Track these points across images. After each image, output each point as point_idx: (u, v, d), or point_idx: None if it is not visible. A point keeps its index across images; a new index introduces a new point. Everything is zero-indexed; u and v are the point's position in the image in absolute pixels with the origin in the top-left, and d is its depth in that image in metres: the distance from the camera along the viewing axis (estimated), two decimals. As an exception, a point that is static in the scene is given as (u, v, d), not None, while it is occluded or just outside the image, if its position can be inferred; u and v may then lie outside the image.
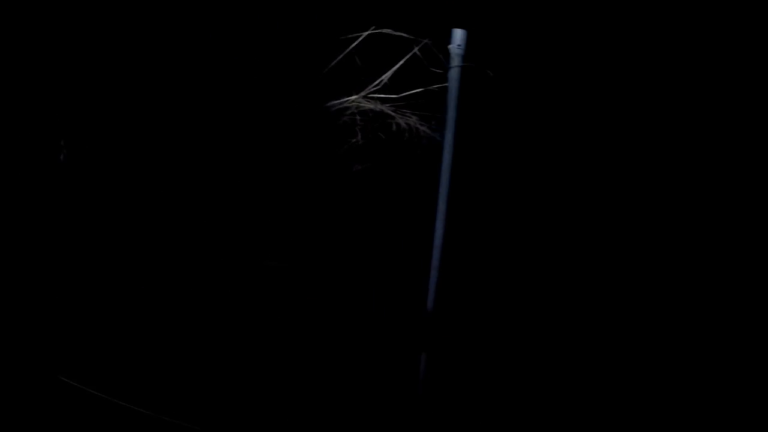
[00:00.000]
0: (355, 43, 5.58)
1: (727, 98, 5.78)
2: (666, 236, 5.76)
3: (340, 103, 5.60)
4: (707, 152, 5.79)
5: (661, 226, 5.77)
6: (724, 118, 5.81)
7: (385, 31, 5.59)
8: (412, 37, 5.61)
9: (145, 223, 5.19)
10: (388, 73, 5.59)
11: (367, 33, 5.58)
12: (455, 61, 5.35)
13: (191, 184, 5.31)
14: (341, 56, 5.61)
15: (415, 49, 5.59)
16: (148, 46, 5.30)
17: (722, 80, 5.79)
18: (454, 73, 5.37)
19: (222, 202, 5.33)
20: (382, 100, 5.67)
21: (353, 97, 5.60)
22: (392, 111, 5.66)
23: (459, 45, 5.34)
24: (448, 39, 5.36)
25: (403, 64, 5.67)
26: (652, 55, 5.80)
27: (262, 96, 5.47)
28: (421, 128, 5.70)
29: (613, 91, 5.80)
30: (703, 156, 5.78)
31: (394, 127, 5.69)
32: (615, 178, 5.79)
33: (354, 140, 5.67)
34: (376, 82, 5.60)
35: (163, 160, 5.25)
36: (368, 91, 5.61)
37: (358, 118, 5.67)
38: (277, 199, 5.46)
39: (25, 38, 5.13)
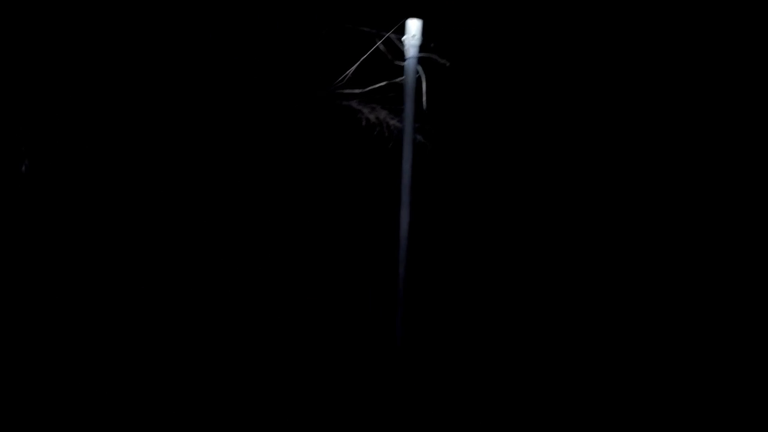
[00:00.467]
0: (319, 42, 5.66)
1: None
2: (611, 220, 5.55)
3: (308, 102, 5.71)
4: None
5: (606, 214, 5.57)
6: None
7: (346, 26, 5.62)
8: (374, 32, 5.61)
9: (119, 223, 5.52)
10: (352, 68, 5.63)
11: (328, 30, 5.64)
12: (410, 52, 5.31)
13: (164, 186, 5.59)
14: (305, 55, 5.71)
15: (378, 43, 5.59)
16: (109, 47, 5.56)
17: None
18: (410, 64, 5.32)
19: (189, 204, 5.58)
20: (351, 96, 5.71)
21: (320, 95, 5.68)
22: (361, 106, 5.70)
23: (414, 35, 5.30)
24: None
25: (370, 59, 5.69)
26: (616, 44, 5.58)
27: (227, 99, 5.67)
28: (392, 122, 5.70)
29: (576, 79, 5.59)
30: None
31: (364, 122, 5.73)
32: (583, 166, 5.60)
33: (325, 137, 5.77)
34: (341, 78, 5.65)
35: (134, 163, 5.55)
36: (334, 88, 5.68)
37: (327, 115, 5.76)
38: (247, 199, 5.65)
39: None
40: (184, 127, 5.56)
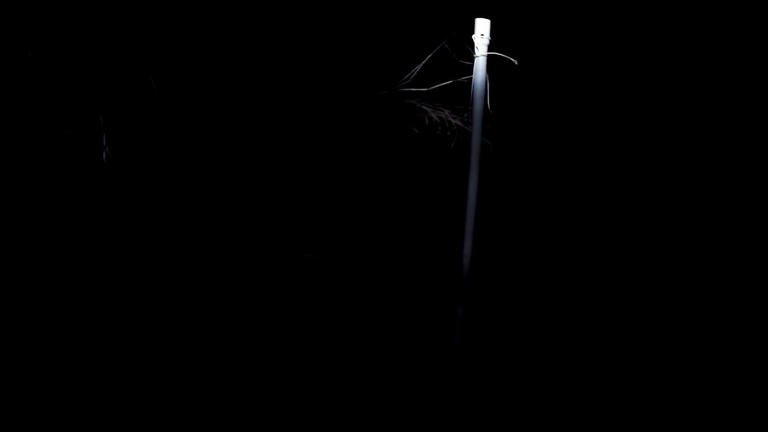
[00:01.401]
0: (383, 40, 5.69)
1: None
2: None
3: (373, 99, 5.73)
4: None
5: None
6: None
7: (413, 25, 5.65)
8: (440, 31, 5.64)
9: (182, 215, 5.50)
10: (417, 67, 5.65)
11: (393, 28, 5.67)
12: (480, 51, 5.35)
13: (228, 179, 5.59)
14: (371, 52, 5.73)
15: (443, 43, 5.62)
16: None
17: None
18: (479, 63, 5.36)
19: (261, 196, 5.57)
20: (414, 95, 5.73)
21: (384, 92, 5.70)
22: (424, 105, 5.72)
23: (482, 34, 5.33)
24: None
25: (435, 58, 5.71)
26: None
27: (296, 92, 5.68)
28: (454, 121, 5.71)
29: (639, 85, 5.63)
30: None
31: (427, 121, 5.74)
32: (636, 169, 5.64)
33: (388, 134, 5.78)
34: (406, 76, 5.67)
35: (199, 154, 5.55)
36: (399, 86, 5.69)
37: (391, 112, 5.77)
38: (313, 193, 5.64)
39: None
40: (248, 126, 5.57)
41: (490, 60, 5.36)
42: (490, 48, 5.36)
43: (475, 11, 5.42)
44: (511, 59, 5.42)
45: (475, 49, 5.33)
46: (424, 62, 5.68)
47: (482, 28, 5.33)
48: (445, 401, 5.17)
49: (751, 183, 5.54)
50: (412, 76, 5.70)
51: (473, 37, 5.33)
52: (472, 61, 5.45)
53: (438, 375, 5.31)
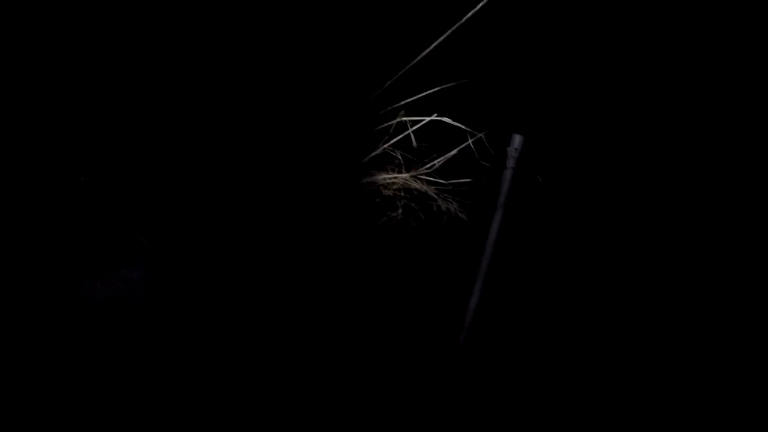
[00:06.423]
0: (415, 127, 5.69)
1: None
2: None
3: (390, 178, 5.72)
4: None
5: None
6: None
7: (444, 119, 5.70)
8: (468, 130, 5.75)
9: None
10: (441, 159, 5.73)
11: (428, 119, 5.68)
12: (510, 163, 5.53)
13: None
14: (398, 136, 5.72)
15: (469, 141, 5.75)
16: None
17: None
18: (507, 174, 5.55)
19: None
20: (429, 182, 5.80)
21: (403, 175, 5.71)
22: (436, 194, 5.81)
23: (516, 149, 5.52)
24: (501, 136, 5.59)
25: (455, 152, 5.82)
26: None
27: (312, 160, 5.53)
28: (461, 215, 5.87)
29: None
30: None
31: (435, 209, 5.84)
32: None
33: (394, 214, 5.80)
34: (428, 165, 5.73)
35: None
36: (418, 172, 5.74)
37: (402, 194, 5.80)
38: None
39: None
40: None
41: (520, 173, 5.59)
42: (519, 162, 5.57)
43: (508, 125, 5.61)
44: (537, 177, 5.67)
45: (507, 161, 5.51)
46: (448, 156, 5.78)
47: (517, 143, 5.51)
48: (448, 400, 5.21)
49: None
50: (435, 167, 5.77)
51: (507, 149, 5.50)
52: (492, 165, 5.68)
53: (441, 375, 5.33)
